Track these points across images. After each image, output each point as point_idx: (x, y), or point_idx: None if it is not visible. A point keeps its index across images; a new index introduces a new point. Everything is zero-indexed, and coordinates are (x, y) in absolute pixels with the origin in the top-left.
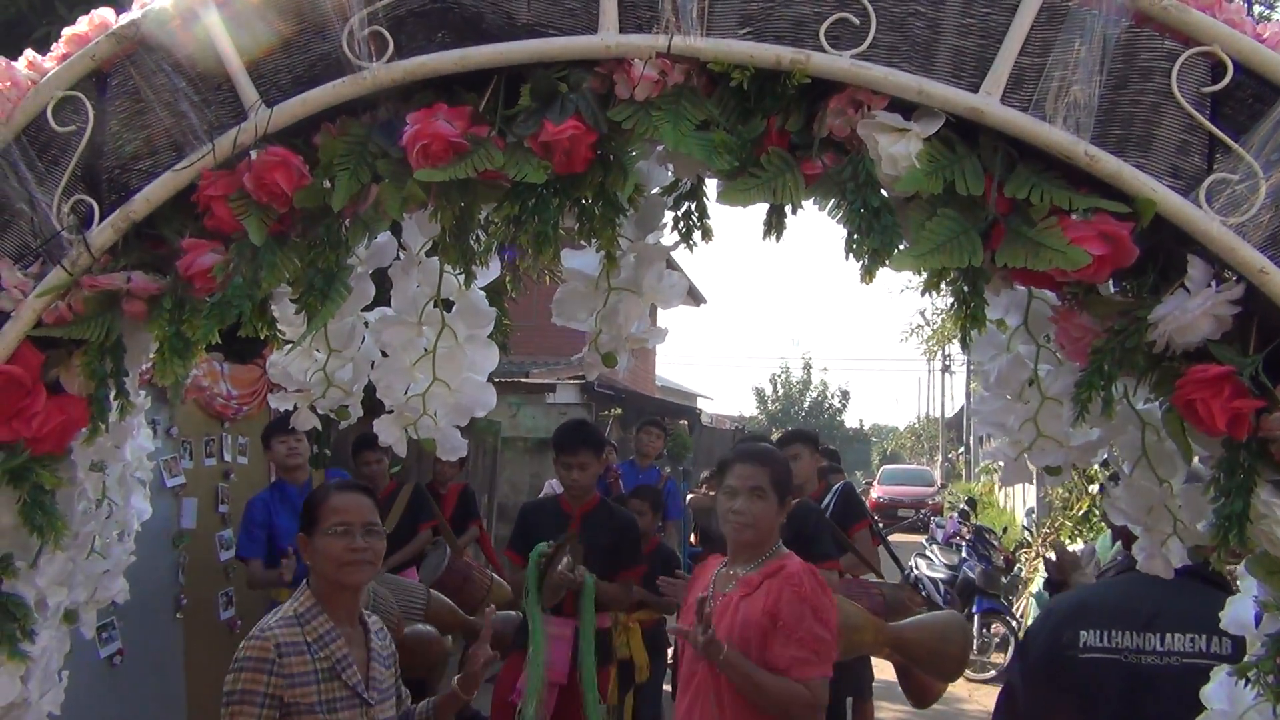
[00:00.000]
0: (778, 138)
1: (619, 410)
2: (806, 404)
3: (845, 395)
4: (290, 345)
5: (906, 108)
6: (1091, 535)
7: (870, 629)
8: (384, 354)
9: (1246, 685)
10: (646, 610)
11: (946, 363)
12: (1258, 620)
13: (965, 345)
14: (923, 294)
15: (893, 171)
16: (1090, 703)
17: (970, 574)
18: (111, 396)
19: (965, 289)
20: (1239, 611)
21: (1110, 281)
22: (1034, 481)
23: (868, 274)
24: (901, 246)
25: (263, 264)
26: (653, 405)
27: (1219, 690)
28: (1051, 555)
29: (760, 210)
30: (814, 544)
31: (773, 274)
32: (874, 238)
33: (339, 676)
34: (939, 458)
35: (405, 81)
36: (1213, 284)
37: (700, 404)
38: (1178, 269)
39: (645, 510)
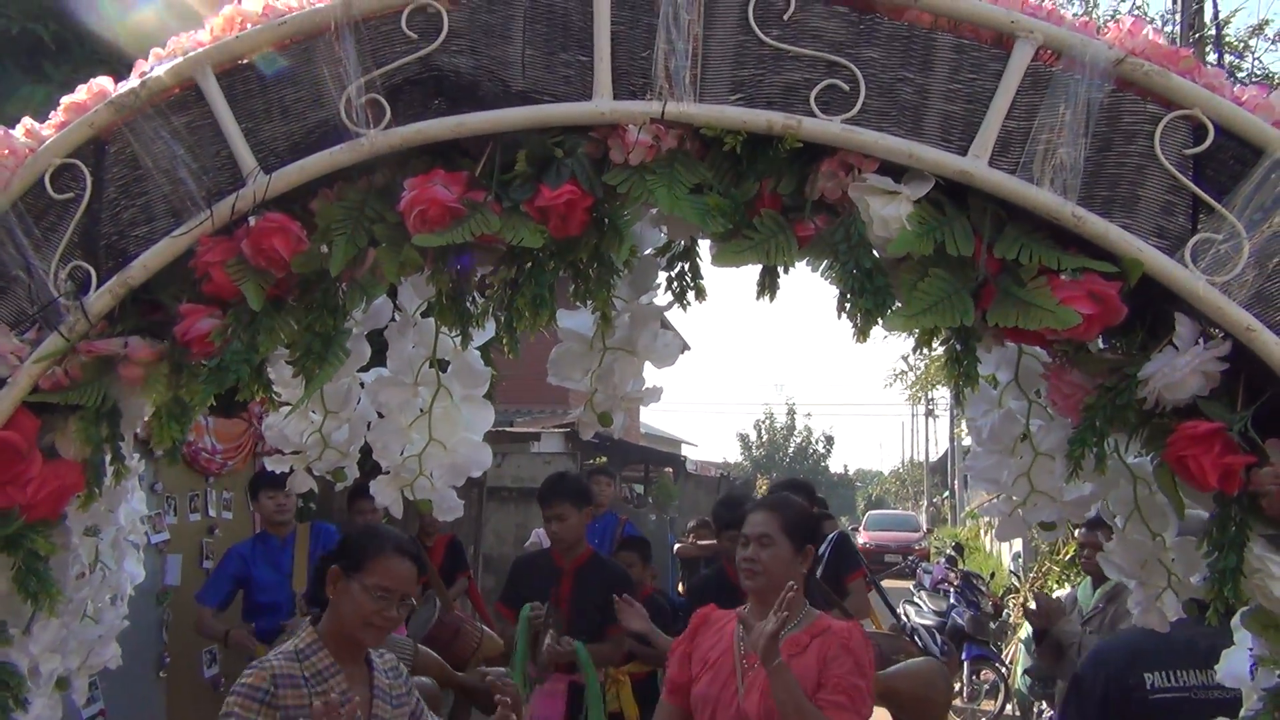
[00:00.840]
0: (770, 200)
1: (604, 459)
2: (791, 449)
3: (829, 440)
4: (287, 408)
5: (897, 170)
6: (1078, 580)
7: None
8: (380, 415)
9: None
10: (637, 663)
11: (930, 407)
12: (1252, 673)
13: (960, 401)
14: (915, 351)
15: (884, 233)
16: None
17: (959, 620)
18: (107, 461)
19: (958, 347)
20: (1234, 665)
21: (1099, 339)
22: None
23: (861, 334)
24: (894, 306)
25: (260, 328)
26: (638, 453)
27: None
28: (1033, 605)
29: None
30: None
31: (756, 320)
32: (867, 298)
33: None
34: (924, 502)
35: (402, 148)
36: (1200, 341)
37: (685, 450)
38: (1165, 326)
39: (635, 561)
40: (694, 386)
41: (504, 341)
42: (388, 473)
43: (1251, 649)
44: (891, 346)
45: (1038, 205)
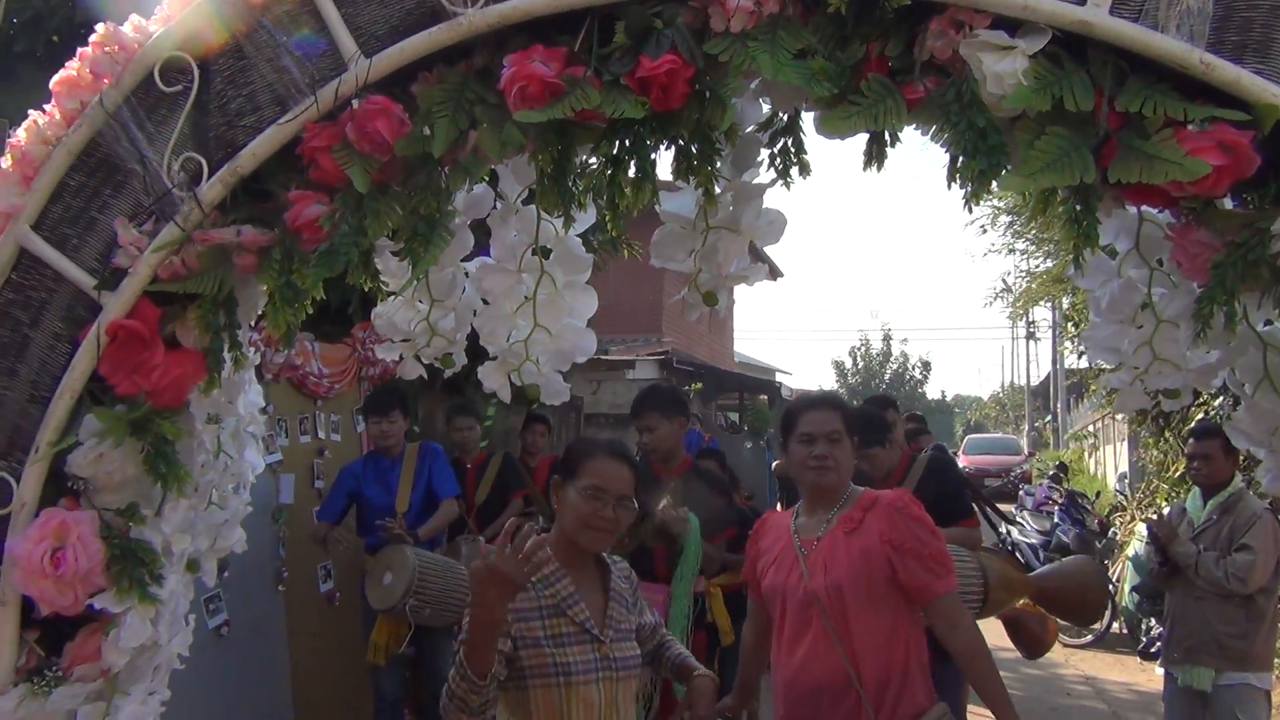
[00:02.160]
0: (877, 64)
1: (699, 385)
2: (887, 376)
3: (926, 366)
4: (393, 296)
5: (1010, 25)
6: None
7: (1019, 583)
8: (485, 302)
9: None
10: (728, 574)
11: (1031, 329)
12: None
13: (1078, 266)
14: (1029, 220)
15: (998, 90)
16: None
17: (1065, 538)
18: (225, 349)
19: (1077, 208)
20: None
21: (1228, 195)
22: (1127, 443)
23: (974, 197)
24: (1009, 167)
25: (367, 212)
26: (732, 381)
27: None
28: (1154, 523)
29: (845, 170)
30: (955, 500)
31: (850, 247)
32: (981, 159)
33: (564, 613)
34: (1025, 426)
35: (500, 26)
36: None
37: (779, 379)
38: None
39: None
40: (789, 315)
41: (608, 221)
42: (495, 358)
43: None
44: (991, 266)
45: (1162, 54)
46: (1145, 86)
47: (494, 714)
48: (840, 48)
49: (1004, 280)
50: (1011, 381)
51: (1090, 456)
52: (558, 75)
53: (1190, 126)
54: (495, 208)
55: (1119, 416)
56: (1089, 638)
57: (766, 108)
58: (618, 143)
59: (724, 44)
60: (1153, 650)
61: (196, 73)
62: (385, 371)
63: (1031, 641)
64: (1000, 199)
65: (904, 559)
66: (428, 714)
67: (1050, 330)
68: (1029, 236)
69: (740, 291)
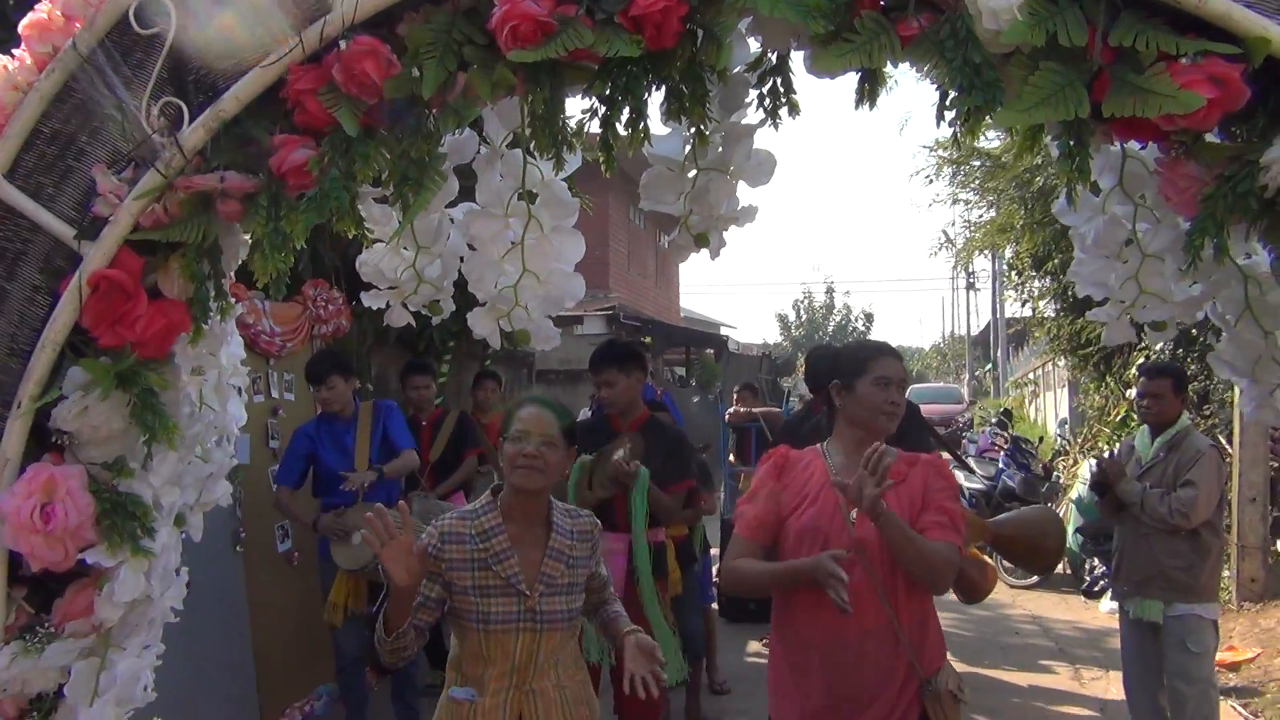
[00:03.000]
0: (870, 1)
1: (647, 339)
2: (831, 328)
3: (869, 318)
4: (378, 243)
5: None
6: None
7: (977, 527)
8: (472, 248)
9: None
10: (676, 525)
11: (971, 280)
12: None
13: (1072, 201)
14: (1017, 157)
15: (994, 25)
16: None
17: (1010, 483)
18: (211, 299)
19: (1071, 143)
20: None
21: (1216, 128)
22: (1067, 390)
23: (970, 133)
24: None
25: (356, 156)
26: (680, 335)
27: None
28: (1102, 458)
29: (786, 124)
30: (918, 443)
31: (792, 200)
32: (977, 94)
33: (492, 568)
34: (965, 376)
35: None
36: None
37: (724, 332)
38: None
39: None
40: (733, 269)
41: (601, 162)
42: (483, 304)
43: None
44: (935, 217)
45: None
46: (1137, 21)
47: (408, 655)
48: None
49: (945, 233)
50: (952, 331)
51: (1031, 404)
52: (549, 14)
53: (1183, 60)
54: (479, 152)
55: (1060, 363)
56: (1034, 579)
57: (755, 47)
58: (611, 82)
59: None
60: (1096, 589)
61: (174, 13)
62: (337, 330)
63: (969, 587)
64: (945, 149)
65: (926, 508)
66: (389, 672)
67: (991, 280)
68: (973, 187)
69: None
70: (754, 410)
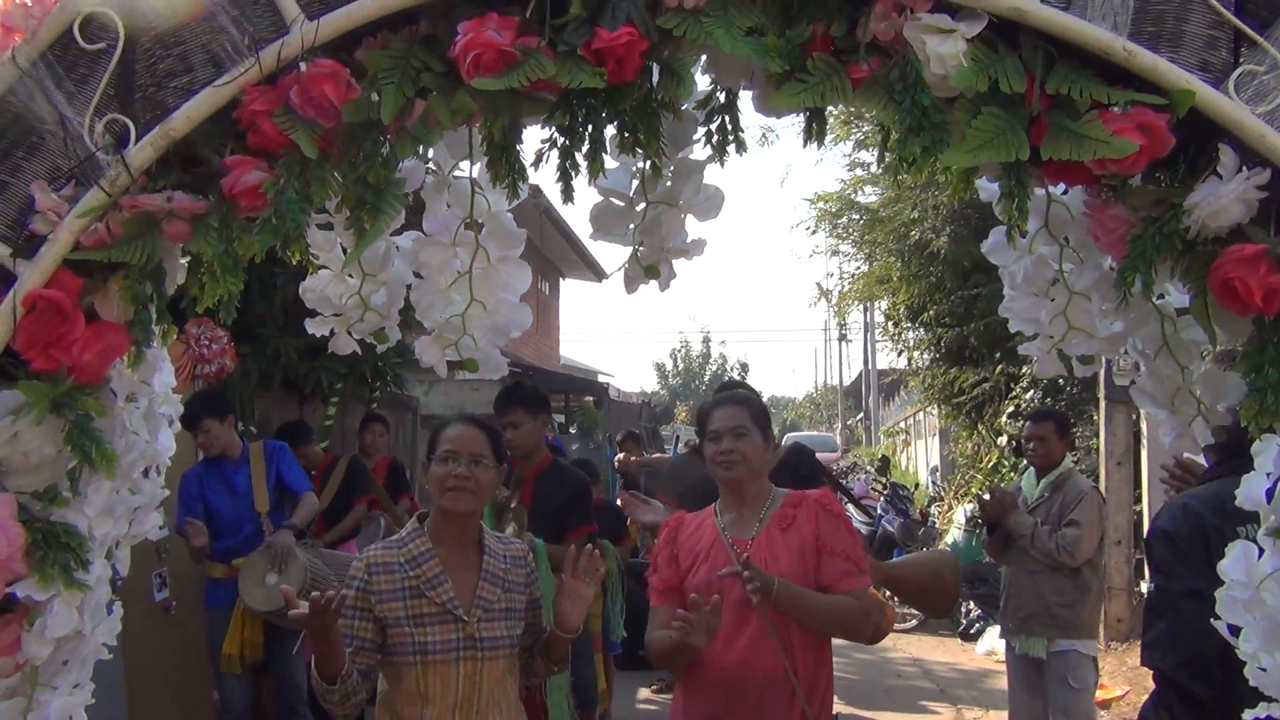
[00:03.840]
0: (822, 43)
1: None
2: (707, 377)
3: (745, 368)
4: (326, 270)
5: (949, 9)
6: (1003, 483)
7: (872, 569)
8: (417, 276)
9: (1260, 557)
10: None
11: (844, 332)
12: (1269, 496)
13: (1010, 239)
14: (954, 197)
15: (941, 70)
16: None
17: (889, 528)
18: (153, 321)
19: (1011, 183)
20: (1252, 489)
21: (1140, 175)
22: (938, 438)
23: (920, 171)
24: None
25: (312, 179)
26: (560, 382)
27: (1235, 563)
28: (987, 496)
29: None
30: (812, 482)
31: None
32: (925, 135)
33: (426, 594)
34: (838, 424)
35: None
36: (1244, 169)
37: (603, 380)
38: (1204, 159)
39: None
40: (611, 317)
41: (562, 193)
42: (431, 333)
43: (1270, 473)
44: (812, 269)
45: (1090, 40)
46: (1071, 71)
47: (360, 700)
48: (787, 26)
49: (819, 285)
50: (825, 381)
51: (902, 452)
52: (511, 44)
53: (1114, 109)
54: (426, 180)
55: (932, 412)
56: (913, 622)
57: (702, 86)
58: (571, 113)
59: (678, 19)
60: (972, 631)
61: (122, 29)
62: (221, 371)
63: (872, 628)
64: (826, 201)
65: (827, 556)
66: None
67: (863, 332)
68: (852, 239)
69: (564, 293)
70: (643, 459)
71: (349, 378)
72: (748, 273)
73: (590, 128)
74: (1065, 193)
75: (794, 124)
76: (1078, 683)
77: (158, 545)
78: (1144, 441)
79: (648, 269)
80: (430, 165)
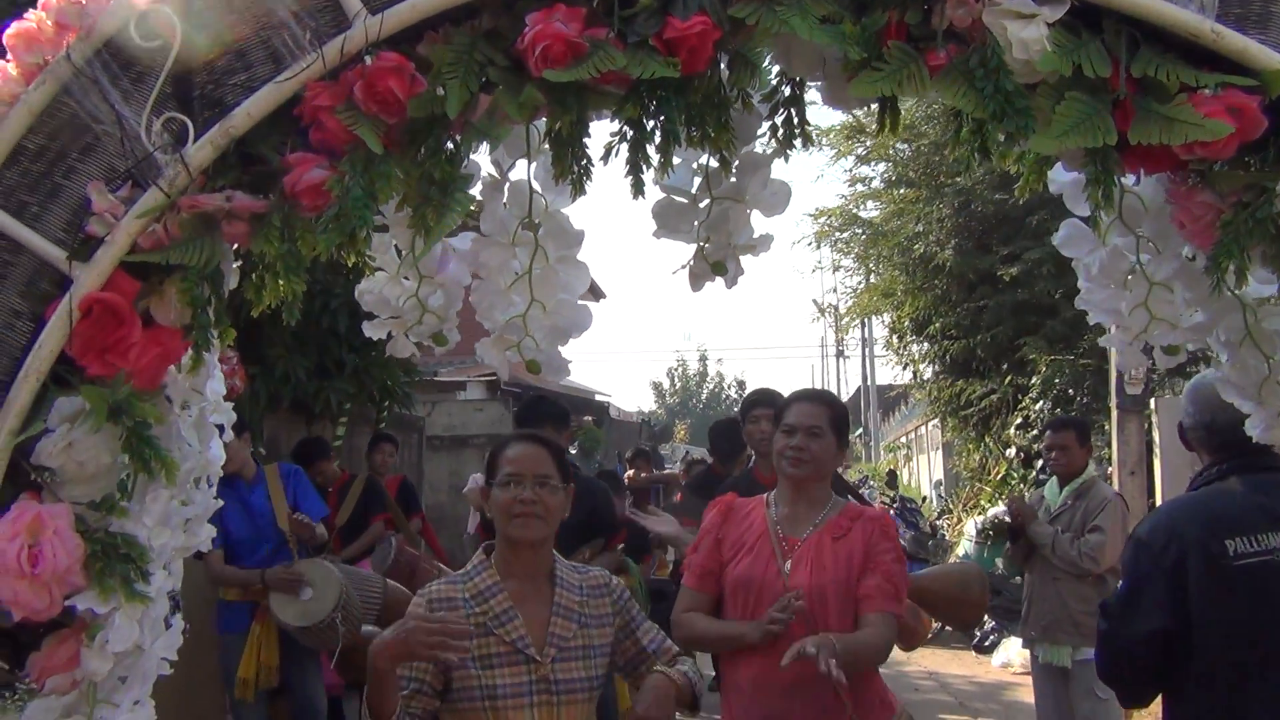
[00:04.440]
0: (897, 31)
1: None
2: (704, 395)
3: (742, 385)
4: (380, 271)
5: None
6: (1007, 496)
7: None
8: (476, 278)
9: None
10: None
11: (841, 348)
12: None
13: (1095, 225)
14: (1022, 190)
15: (1024, 55)
16: (1256, 608)
17: (901, 541)
18: (211, 324)
19: (1098, 169)
20: None
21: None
22: (941, 452)
23: (1003, 158)
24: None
25: (376, 176)
26: (560, 401)
27: None
28: (1012, 497)
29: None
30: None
31: (665, 269)
32: (1009, 121)
33: (494, 632)
34: None
35: None
36: None
37: (600, 399)
38: None
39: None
40: (607, 337)
41: (632, 186)
42: (491, 335)
43: None
44: (806, 286)
45: (1177, 23)
46: (1156, 55)
47: None
48: (862, 14)
49: (815, 303)
50: None
51: (904, 467)
52: (579, 35)
53: (1204, 91)
54: (483, 179)
55: (934, 425)
56: (928, 636)
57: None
58: (641, 105)
59: (751, 7)
60: (986, 644)
61: (179, 25)
62: (231, 391)
63: (907, 634)
64: (829, 216)
65: (871, 571)
66: None
67: (861, 348)
68: (854, 254)
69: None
70: (653, 475)
71: (357, 398)
72: (744, 290)
73: (663, 118)
74: (1137, 183)
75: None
76: (1104, 693)
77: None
78: (1157, 450)
79: (714, 266)
80: (488, 165)
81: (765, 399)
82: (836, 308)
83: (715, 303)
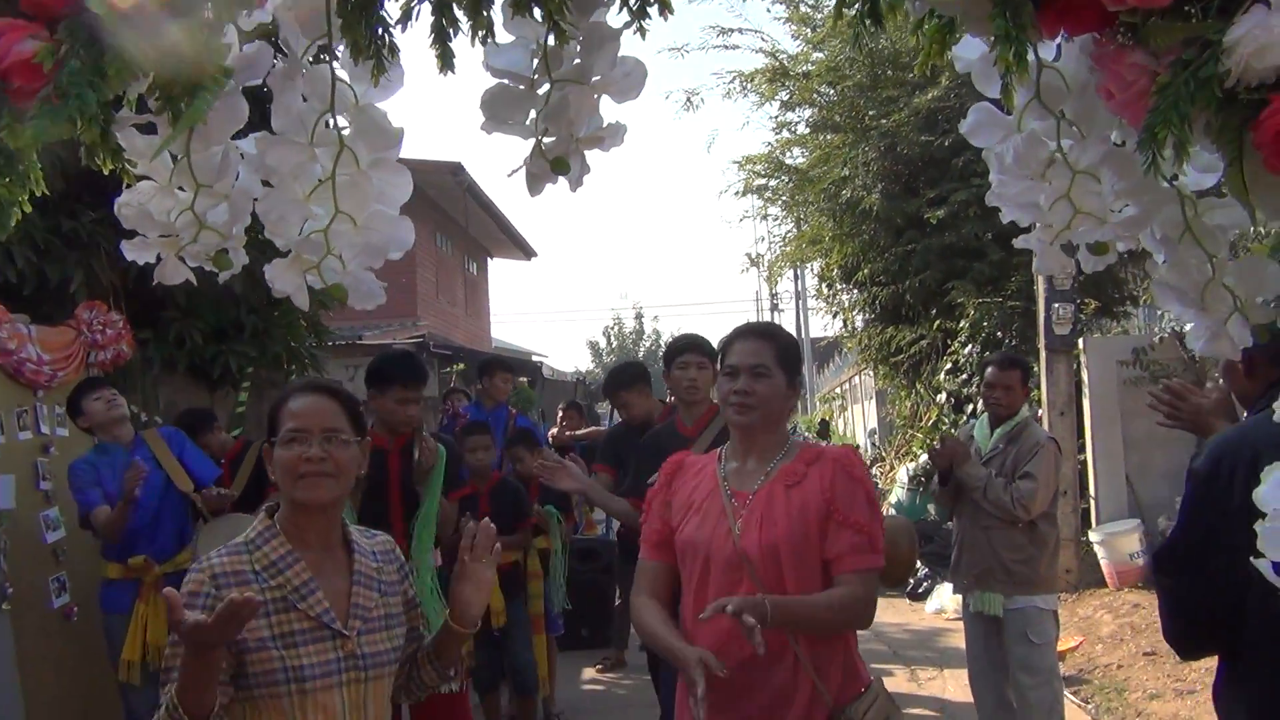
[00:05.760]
0: None
1: (461, 365)
2: (641, 353)
3: None
4: (144, 180)
5: None
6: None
7: None
8: (267, 186)
9: None
10: (505, 554)
11: (775, 301)
12: None
13: (1007, 96)
14: (923, 66)
15: None
16: None
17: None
18: None
19: (1007, 24)
20: None
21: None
22: (874, 401)
23: (892, 10)
24: None
25: (105, 47)
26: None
27: (1274, 491)
28: (936, 445)
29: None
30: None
31: (599, 227)
32: None
33: (296, 606)
34: None
35: None
36: None
37: (537, 360)
38: None
39: (522, 455)
40: (541, 297)
41: (436, 57)
42: (286, 254)
43: None
44: (740, 239)
45: None
46: None
47: None
48: None
49: (748, 256)
50: None
51: (839, 417)
52: None
53: None
54: (274, 68)
55: (868, 375)
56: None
57: None
58: None
59: None
60: (920, 591)
61: None
62: (118, 357)
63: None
64: (752, 164)
65: (838, 526)
66: None
67: (794, 300)
68: (781, 202)
69: (492, 273)
70: (576, 433)
71: (260, 361)
72: (678, 245)
73: None
74: (1057, 58)
75: (719, 85)
76: (1039, 638)
77: (54, 548)
78: (1085, 391)
79: (555, 163)
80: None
81: (688, 344)
82: (765, 258)
83: (651, 260)
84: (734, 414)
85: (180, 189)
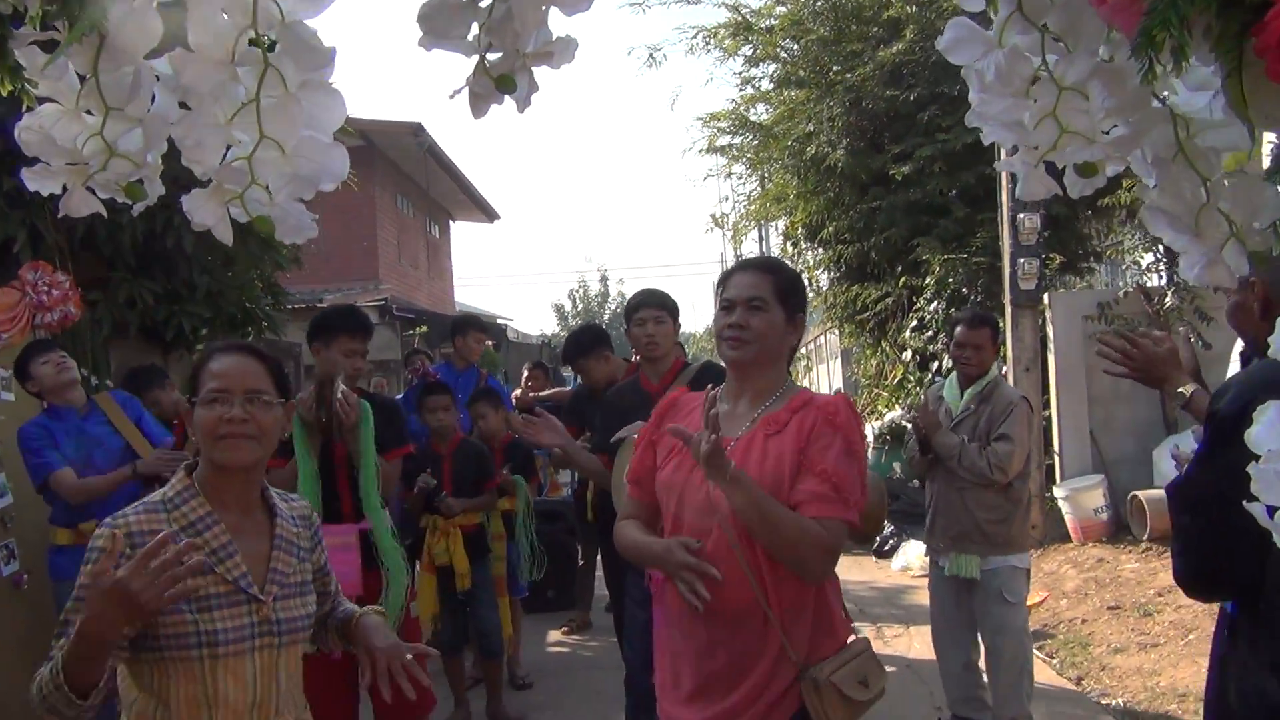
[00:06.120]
0: None
1: (424, 328)
2: (607, 316)
3: None
4: (51, 104)
5: None
6: (908, 401)
7: None
8: (185, 109)
9: None
10: (465, 515)
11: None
12: None
13: (990, 5)
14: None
15: None
16: None
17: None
18: None
19: None
20: None
21: None
22: (840, 360)
23: None
24: None
25: None
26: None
27: (1268, 430)
28: (916, 407)
29: (555, 114)
30: None
31: (563, 190)
32: None
33: (213, 570)
34: None
35: None
36: None
37: (501, 323)
38: None
39: (486, 412)
40: (506, 260)
41: None
42: (206, 183)
43: None
44: (705, 200)
45: None
46: None
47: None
48: None
49: (713, 216)
50: None
51: (804, 377)
52: None
53: None
54: None
55: (833, 334)
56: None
57: None
58: None
59: None
60: (886, 549)
61: None
62: (65, 319)
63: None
64: (716, 120)
65: (805, 472)
66: None
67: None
68: (745, 159)
69: (455, 236)
70: (541, 393)
71: (214, 323)
72: (643, 206)
73: None
74: None
75: (682, 40)
76: (1013, 596)
77: (2, 514)
78: (1050, 346)
79: (500, 81)
80: None
81: (644, 300)
82: (729, 218)
83: (616, 222)
84: (727, 348)
85: (88, 113)
